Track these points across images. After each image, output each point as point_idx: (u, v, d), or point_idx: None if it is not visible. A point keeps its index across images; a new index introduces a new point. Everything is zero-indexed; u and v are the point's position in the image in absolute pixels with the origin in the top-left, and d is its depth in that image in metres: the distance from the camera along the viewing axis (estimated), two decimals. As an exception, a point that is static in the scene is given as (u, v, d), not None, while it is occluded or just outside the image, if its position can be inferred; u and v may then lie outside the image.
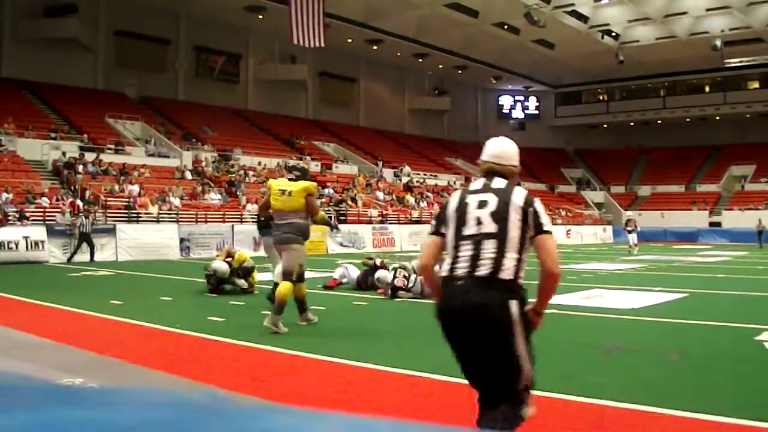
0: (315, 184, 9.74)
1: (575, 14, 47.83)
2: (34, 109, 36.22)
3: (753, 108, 57.10)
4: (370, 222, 34.68)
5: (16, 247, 21.95)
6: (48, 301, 11.88)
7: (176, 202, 29.22)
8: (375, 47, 51.18)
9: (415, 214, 38.51)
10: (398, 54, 53.36)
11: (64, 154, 30.41)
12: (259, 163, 38.92)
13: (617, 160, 63.24)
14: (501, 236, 3.58)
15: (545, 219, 3.70)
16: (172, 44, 44.64)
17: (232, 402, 1.02)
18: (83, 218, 23.48)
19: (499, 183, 3.78)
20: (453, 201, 3.82)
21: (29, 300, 12.18)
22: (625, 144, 64.47)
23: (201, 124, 42.21)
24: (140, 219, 27.32)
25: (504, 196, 3.67)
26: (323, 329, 9.41)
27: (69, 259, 22.90)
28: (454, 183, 49.88)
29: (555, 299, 11.91)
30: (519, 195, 3.68)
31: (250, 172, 37.07)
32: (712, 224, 49.59)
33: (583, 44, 51.05)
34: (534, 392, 5.62)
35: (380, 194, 40.03)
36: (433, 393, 5.81)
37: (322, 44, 36.45)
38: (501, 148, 4.10)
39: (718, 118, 59.68)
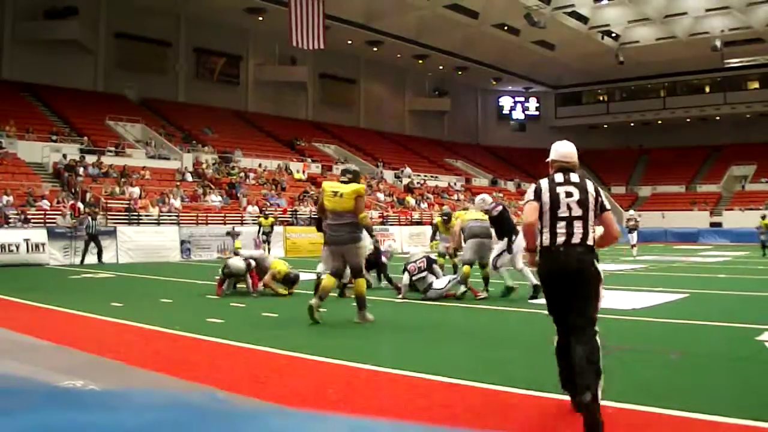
0: (364, 186, 10.51)
1: (575, 15, 47.85)
2: (35, 112, 36.24)
3: (753, 108, 57.13)
4: (371, 223, 34.62)
5: (17, 250, 21.96)
6: (48, 303, 11.88)
7: (177, 204, 29.23)
8: (375, 49, 51.22)
9: (416, 215, 38.51)
10: (398, 55, 53.40)
11: (64, 156, 30.43)
12: (260, 165, 38.89)
13: (617, 161, 63.24)
14: (585, 217, 5.05)
15: (606, 201, 5.28)
16: (172, 46, 44.69)
17: (232, 404, 1.02)
18: (89, 219, 23.49)
19: (575, 177, 5.19)
20: (545, 189, 5.13)
21: (30, 302, 12.18)
22: (625, 144, 64.51)
23: (201, 126, 42.23)
24: (141, 221, 27.33)
25: (582, 188, 5.13)
26: (323, 330, 9.41)
27: (81, 262, 22.94)
28: (455, 184, 49.88)
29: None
30: (591, 186, 5.18)
31: (251, 174, 37.06)
32: (712, 224, 49.57)
33: (583, 45, 51.08)
34: (535, 393, 5.64)
35: (381, 195, 40.04)
36: (434, 394, 5.80)
37: (322, 46, 36.45)
38: (568, 150, 5.45)
39: (718, 118, 59.72)
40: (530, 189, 5.27)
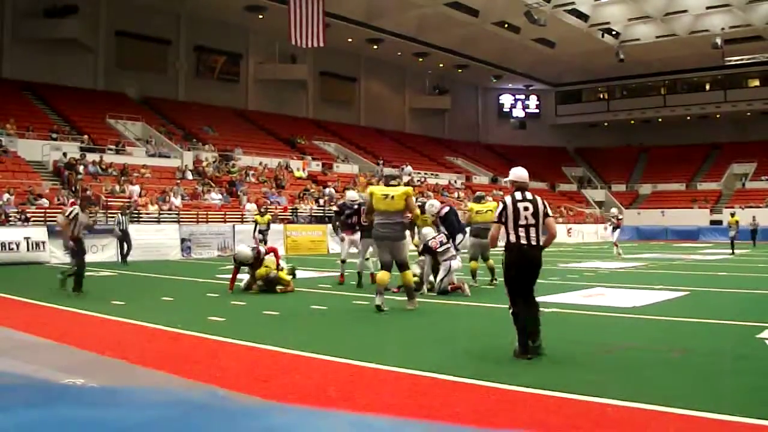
0: (412, 188, 12.40)
1: (575, 13, 47.82)
2: (35, 110, 36.23)
3: (753, 106, 57.09)
4: (371, 221, 34.62)
5: (17, 248, 21.96)
6: (49, 301, 11.89)
7: (177, 202, 29.23)
8: (375, 46, 51.22)
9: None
10: (398, 53, 53.39)
11: (65, 154, 30.42)
12: (260, 163, 38.89)
13: (618, 159, 63.26)
14: (536, 225, 7.27)
15: (548, 210, 7.52)
16: (172, 44, 44.68)
17: (234, 401, 1.02)
18: (120, 216, 23.22)
19: (529, 195, 7.44)
20: (509, 204, 7.33)
21: (30, 301, 12.19)
22: (625, 142, 64.51)
23: (201, 124, 42.24)
24: (141, 219, 27.32)
25: (536, 203, 7.38)
26: (325, 328, 9.42)
27: (123, 260, 22.70)
28: (455, 182, 49.86)
29: (556, 298, 11.98)
30: (539, 202, 7.40)
31: (251, 172, 37.06)
32: (712, 222, 49.53)
33: (584, 43, 51.06)
34: (538, 391, 5.65)
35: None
36: (435, 392, 5.81)
37: (322, 44, 36.41)
38: (523, 174, 7.75)
39: (718, 116, 59.69)
40: (500, 205, 7.45)
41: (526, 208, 7.26)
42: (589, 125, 65.85)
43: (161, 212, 28.15)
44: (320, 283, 14.33)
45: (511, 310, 7.23)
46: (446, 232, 13.51)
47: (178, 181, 32.23)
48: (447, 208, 14.17)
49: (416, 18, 46.12)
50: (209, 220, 29.21)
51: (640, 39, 51.57)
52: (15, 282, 15.88)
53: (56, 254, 22.92)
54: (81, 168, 29.76)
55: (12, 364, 6.73)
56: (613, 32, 51.29)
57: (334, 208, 16.73)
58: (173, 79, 45.29)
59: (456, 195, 45.69)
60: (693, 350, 7.58)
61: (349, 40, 48.69)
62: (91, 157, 31.30)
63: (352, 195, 15.60)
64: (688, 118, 60.82)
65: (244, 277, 13.76)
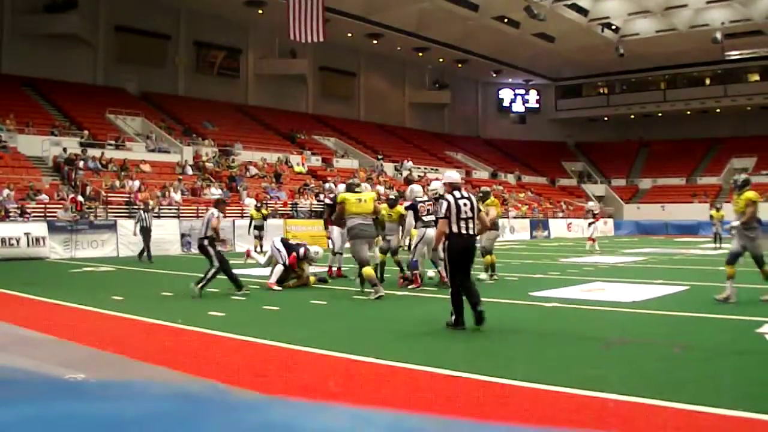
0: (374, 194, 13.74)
1: (575, 7, 47.77)
2: (35, 105, 36.23)
3: (753, 100, 57.09)
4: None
5: (17, 244, 21.95)
6: (49, 297, 11.89)
7: (177, 197, 29.23)
8: (375, 41, 51.18)
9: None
10: (398, 48, 53.35)
11: (65, 150, 30.41)
12: (260, 158, 38.89)
13: (618, 153, 63.25)
14: (473, 218, 8.76)
15: (480, 206, 9.76)
16: (172, 39, 44.66)
17: (234, 395, 1.02)
18: (142, 212, 22.42)
19: (465, 194, 8.99)
20: (452, 202, 8.72)
21: (30, 296, 12.19)
22: (625, 137, 64.51)
23: (201, 119, 42.23)
24: (141, 214, 27.33)
25: (471, 200, 8.89)
26: (325, 323, 9.43)
27: (149, 258, 21.63)
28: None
29: (556, 292, 11.97)
30: (473, 199, 9.01)
31: (251, 167, 37.05)
32: (713, 217, 49.50)
33: (584, 37, 51.02)
34: (536, 385, 5.65)
35: (381, 188, 40.01)
36: (434, 385, 5.82)
37: (322, 39, 36.38)
38: (457, 177, 9.49)
39: (718, 110, 59.69)
40: (444, 204, 8.81)
41: (465, 204, 8.77)
42: (589, 120, 65.86)
43: (161, 207, 28.15)
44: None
45: (465, 290, 8.59)
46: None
47: (180, 178, 32.21)
48: (409, 203, 14.50)
49: (416, 13, 46.07)
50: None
51: (639, 33, 51.54)
52: (15, 277, 15.88)
53: (56, 250, 22.93)
54: (81, 163, 29.75)
55: (12, 359, 6.74)
56: (613, 27, 51.25)
57: (326, 201, 16.81)
58: (173, 74, 45.29)
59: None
60: (693, 345, 7.59)
61: (349, 34, 48.64)
62: (91, 152, 31.29)
63: (417, 189, 15.72)
64: (688, 112, 60.83)
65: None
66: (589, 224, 27.44)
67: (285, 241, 14.40)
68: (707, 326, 8.99)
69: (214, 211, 12.95)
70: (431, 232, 13.16)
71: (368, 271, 11.94)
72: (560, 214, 47.39)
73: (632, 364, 6.60)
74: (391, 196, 16.52)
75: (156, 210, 27.65)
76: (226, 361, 6.91)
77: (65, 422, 0.84)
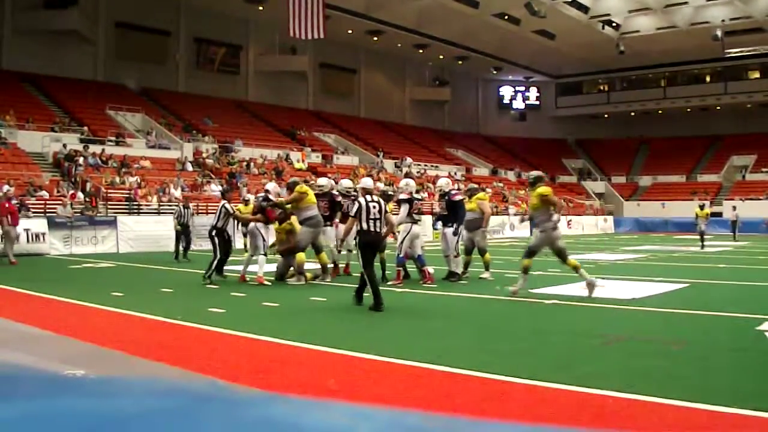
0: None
1: (575, 4, 47.74)
2: (35, 101, 36.21)
3: (754, 98, 57.05)
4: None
5: (17, 240, 21.90)
6: (49, 293, 11.89)
7: (177, 193, 29.22)
8: (375, 38, 51.15)
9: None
10: (398, 45, 53.31)
11: (65, 146, 30.38)
12: (261, 156, 38.87)
13: (618, 151, 63.21)
14: (380, 218, 10.40)
15: (386, 207, 10.77)
16: (172, 36, 44.65)
17: (234, 392, 1.02)
18: (182, 208, 21.33)
19: (376, 198, 10.65)
20: (363, 204, 10.36)
21: (30, 292, 12.19)
22: (625, 134, 64.45)
23: (201, 116, 42.20)
24: (141, 210, 27.33)
25: (380, 203, 10.51)
26: (324, 320, 9.44)
27: (185, 255, 20.96)
28: (455, 174, 49.78)
29: (556, 289, 11.98)
30: (382, 202, 10.65)
31: (251, 164, 37.04)
32: (713, 214, 49.46)
33: (584, 35, 50.98)
34: (536, 382, 5.66)
35: (381, 185, 39.99)
36: (434, 383, 5.82)
37: (322, 36, 36.36)
38: (370, 183, 11.41)
39: (718, 108, 59.64)
40: (356, 206, 10.57)
41: (374, 207, 10.43)
42: (590, 117, 65.79)
43: (161, 204, 28.14)
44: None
45: (369, 278, 10.09)
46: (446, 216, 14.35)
47: (178, 173, 32.18)
48: (462, 196, 14.81)
49: (416, 9, 46.05)
50: (209, 211, 29.16)
51: (640, 31, 51.50)
52: (15, 273, 15.88)
53: (56, 246, 22.92)
54: (81, 160, 29.73)
55: (12, 355, 6.74)
56: (614, 24, 51.21)
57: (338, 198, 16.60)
58: (173, 70, 45.28)
59: (456, 186, 45.58)
60: (692, 342, 7.59)
61: (349, 31, 48.63)
62: (91, 148, 31.27)
63: (347, 183, 15.82)
64: (689, 110, 60.80)
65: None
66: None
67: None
68: (707, 323, 9.00)
69: (225, 202, 14.26)
70: (417, 228, 13.77)
71: (301, 257, 13.43)
72: (560, 212, 47.36)
73: (632, 361, 6.60)
74: (390, 192, 16.52)
75: (156, 207, 27.68)
76: (226, 358, 6.92)
77: (65, 418, 0.84)
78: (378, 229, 10.42)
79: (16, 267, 17.80)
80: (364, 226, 10.36)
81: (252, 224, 14.08)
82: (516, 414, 4.90)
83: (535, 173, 12.36)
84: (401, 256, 13.71)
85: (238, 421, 0.86)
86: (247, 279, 13.87)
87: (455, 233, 14.01)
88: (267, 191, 14.38)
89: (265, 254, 13.82)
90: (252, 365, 6.61)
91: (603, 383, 5.54)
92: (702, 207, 29.39)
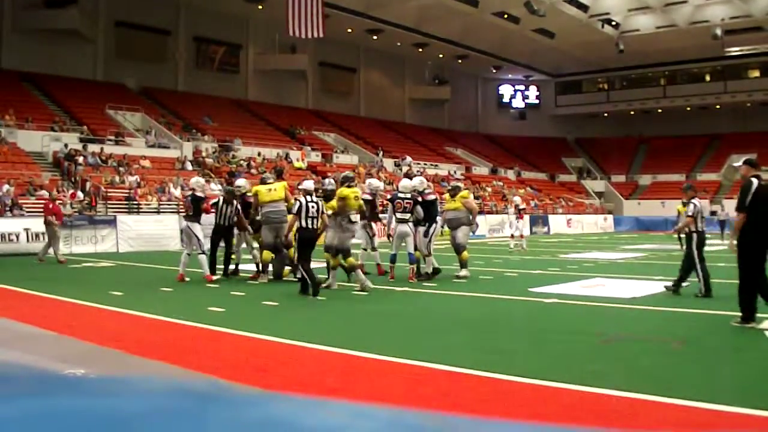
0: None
1: (575, 3, 47.73)
2: (34, 101, 36.18)
3: (753, 97, 57.02)
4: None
5: (17, 239, 21.93)
6: (49, 292, 11.89)
7: (176, 192, 29.21)
8: (375, 37, 51.12)
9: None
10: (398, 44, 53.28)
11: (65, 145, 30.37)
12: (259, 154, 38.85)
13: (618, 149, 63.17)
14: (317, 217, 11.62)
15: (324, 208, 11.98)
16: (171, 35, 44.60)
17: (234, 390, 1.02)
18: (225, 205, 15.81)
19: (314, 198, 11.88)
20: (303, 204, 11.55)
21: (30, 292, 12.20)
22: (625, 133, 64.41)
23: (201, 115, 42.18)
24: (141, 210, 27.32)
25: (317, 204, 11.76)
26: (323, 318, 9.44)
27: (233, 272, 19.57)
28: (455, 172, 49.79)
29: (556, 288, 11.98)
30: (320, 203, 11.93)
31: (251, 163, 37.02)
32: (712, 213, 49.51)
33: (583, 33, 50.97)
34: (536, 381, 5.66)
35: (381, 184, 39.95)
36: (434, 382, 5.82)
37: (321, 35, 36.34)
38: (310, 185, 12.18)
39: (718, 107, 59.61)
40: (297, 204, 11.65)
41: (312, 207, 11.59)
42: (589, 116, 65.74)
43: (161, 203, 28.14)
44: (320, 273, 14.30)
45: (304, 269, 11.38)
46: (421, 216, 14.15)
47: (178, 172, 32.17)
48: (435, 196, 14.72)
49: (416, 8, 46.02)
50: (209, 210, 29.13)
51: (639, 30, 51.49)
52: (15, 273, 15.88)
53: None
54: (81, 159, 29.71)
55: (11, 354, 6.74)
56: (613, 23, 51.20)
57: (366, 196, 15.46)
58: (173, 69, 45.23)
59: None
60: (692, 341, 7.60)
61: (349, 30, 48.60)
62: (90, 147, 31.26)
63: (376, 183, 15.68)
64: (688, 108, 60.76)
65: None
66: (516, 219, 25.39)
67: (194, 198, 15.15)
68: (707, 322, 9.00)
69: (233, 201, 14.93)
70: (402, 227, 13.69)
71: (266, 255, 13.71)
72: (560, 210, 47.38)
73: (632, 360, 6.61)
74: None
75: (156, 204, 27.68)
76: (226, 357, 6.92)
77: (65, 418, 0.84)
78: (315, 226, 11.59)
79: (16, 266, 17.78)
80: (303, 223, 11.49)
81: (185, 223, 14.82)
82: (516, 413, 4.91)
83: (454, 184, 14.24)
84: (394, 253, 13.79)
85: (239, 420, 0.86)
86: (186, 279, 13.92)
87: (426, 234, 13.99)
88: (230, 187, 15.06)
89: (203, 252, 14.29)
90: (252, 364, 6.61)
91: (603, 382, 5.55)
92: (685, 204, 27.12)
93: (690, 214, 11.73)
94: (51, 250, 19.48)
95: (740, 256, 8.25)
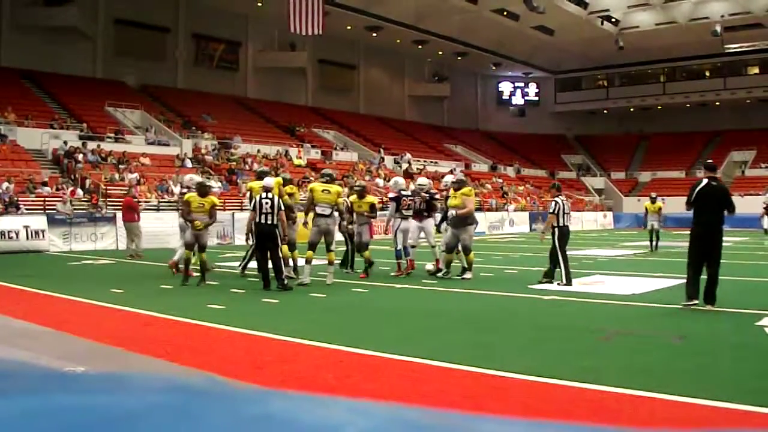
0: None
1: (574, 0, 47.68)
2: (34, 98, 36.18)
3: (753, 93, 56.95)
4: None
5: (17, 237, 21.94)
6: (48, 290, 11.90)
7: (176, 190, 29.20)
8: (374, 34, 51.09)
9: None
10: (398, 41, 53.25)
11: (65, 143, 30.37)
12: (258, 151, 38.85)
13: (617, 146, 63.16)
14: (272, 212, 12.03)
15: (282, 205, 12.34)
16: (171, 32, 44.57)
17: (233, 388, 1.02)
18: (262, 202, 13.68)
19: (270, 195, 12.19)
20: (257, 200, 12.13)
21: (30, 289, 12.20)
22: (625, 130, 64.40)
23: (201, 112, 42.18)
24: (140, 207, 27.30)
25: (273, 199, 12.13)
26: (322, 316, 9.44)
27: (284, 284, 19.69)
28: (454, 170, 49.78)
29: (555, 285, 11.95)
30: (276, 199, 12.22)
31: (250, 160, 37.02)
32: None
33: (583, 30, 50.94)
34: (533, 378, 5.65)
35: (380, 181, 39.98)
36: (431, 379, 5.83)
37: (321, 32, 36.35)
38: (270, 183, 12.47)
39: (718, 103, 59.58)
40: (254, 200, 12.33)
41: (267, 203, 12.03)
42: (589, 113, 65.69)
43: (161, 200, 28.14)
44: (319, 270, 14.29)
45: (258, 264, 12.68)
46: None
47: (177, 169, 32.16)
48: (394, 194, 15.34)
49: (415, 5, 45.99)
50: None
51: (639, 26, 51.48)
52: (14, 270, 15.88)
53: (55, 242, 22.92)
54: (80, 156, 29.72)
55: (11, 351, 6.75)
56: (613, 19, 51.18)
57: (391, 194, 15.79)
58: (172, 67, 45.21)
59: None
60: (692, 337, 7.60)
61: (349, 27, 48.55)
62: (90, 145, 31.25)
63: (422, 181, 15.60)
64: (688, 105, 60.72)
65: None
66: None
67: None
68: (706, 318, 9.00)
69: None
70: (405, 224, 14.40)
71: (309, 254, 13.63)
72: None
73: (630, 356, 6.61)
74: (357, 187, 15.73)
75: (156, 202, 27.67)
76: (225, 354, 6.93)
77: (64, 415, 0.84)
78: (269, 222, 12.00)
79: (16, 263, 17.78)
80: (258, 219, 12.06)
81: (181, 219, 14.83)
82: (515, 409, 4.91)
83: (460, 177, 14.42)
84: (398, 249, 14.33)
85: (237, 417, 0.86)
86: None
87: (438, 228, 14.93)
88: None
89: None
90: (251, 361, 6.62)
91: (602, 378, 5.55)
92: (653, 200, 24.98)
93: (552, 211, 12.72)
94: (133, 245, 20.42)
95: (689, 245, 9.80)
